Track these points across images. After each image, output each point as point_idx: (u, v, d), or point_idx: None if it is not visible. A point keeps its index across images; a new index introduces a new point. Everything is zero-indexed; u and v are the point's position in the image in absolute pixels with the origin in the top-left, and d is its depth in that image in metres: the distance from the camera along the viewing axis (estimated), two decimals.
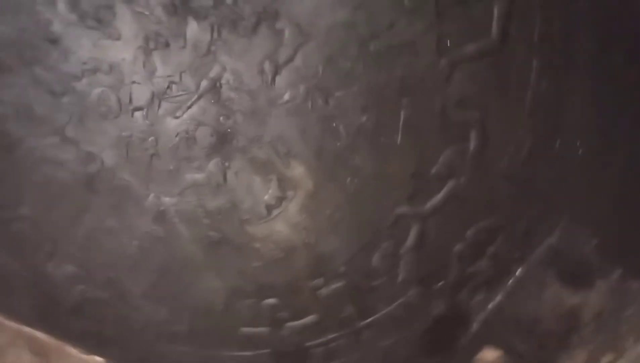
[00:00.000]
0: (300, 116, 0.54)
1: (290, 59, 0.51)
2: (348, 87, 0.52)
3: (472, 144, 0.53)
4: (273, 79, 0.53)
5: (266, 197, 0.60)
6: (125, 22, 0.50)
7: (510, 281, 0.57)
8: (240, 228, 0.61)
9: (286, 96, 0.52)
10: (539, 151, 0.53)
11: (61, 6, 0.49)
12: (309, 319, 0.65)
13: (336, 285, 0.63)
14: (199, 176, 0.59)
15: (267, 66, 0.51)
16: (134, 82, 0.53)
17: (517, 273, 0.57)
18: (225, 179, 0.58)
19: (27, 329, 0.71)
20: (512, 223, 0.56)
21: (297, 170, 0.59)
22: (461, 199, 0.55)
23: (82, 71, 0.53)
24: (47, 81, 0.54)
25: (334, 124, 0.54)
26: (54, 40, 0.51)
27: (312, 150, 0.55)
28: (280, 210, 0.60)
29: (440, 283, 0.59)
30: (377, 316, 0.64)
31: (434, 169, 0.55)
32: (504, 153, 0.54)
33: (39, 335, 0.72)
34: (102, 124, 0.56)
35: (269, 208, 0.60)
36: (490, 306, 0.58)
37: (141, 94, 0.53)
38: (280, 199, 0.59)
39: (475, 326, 0.59)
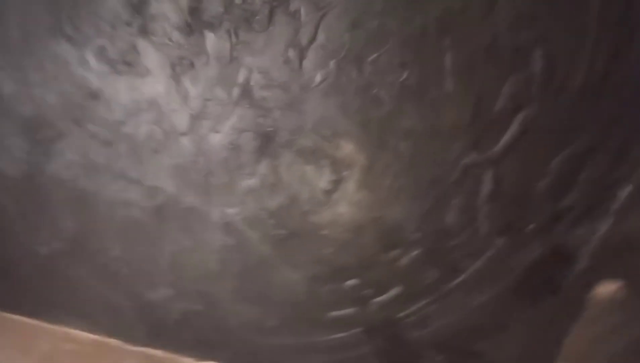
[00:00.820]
0: (336, 93, 0.50)
1: (313, 38, 0.48)
2: (380, 47, 0.47)
3: (537, 67, 0.46)
4: (300, 65, 0.50)
5: (322, 184, 0.58)
6: (149, 56, 0.50)
7: (616, 205, 0.49)
8: (304, 220, 0.61)
9: (318, 78, 0.49)
10: (616, 60, 0.44)
11: (92, 61, 0.50)
12: (394, 291, 0.64)
13: (414, 252, 0.60)
14: (253, 181, 0.58)
15: (292, 53, 0.48)
16: (172, 110, 0.53)
17: (623, 194, 0.49)
18: (278, 177, 0.57)
19: (145, 349, 0.80)
20: (602, 144, 0.48)
21: (347, 148, 0.57)
22: (536, 131, 0.48)
23: (126, 115, 0.54)
24: (100, 134, 0.57)
25: (374, 91, 0.50)
26: (95, 95, 0.52)
27: (357, 124, 0.52)
28: (339, 193, 0.58)
29: (530, 226, 0.53)
30: (464, 275, 0.60)
31: (497, 106, 0.48)
32: (577, 69, 0.46)
33: (156, 352, 0.80)
34: (156, 157, 0.58)
35: (328, 193, 0.58)
36: (595, 236, 0.52)
37: (181, 120, 0.53)
38: (337, 182, 0.57)
39: (581, 262, 0.53)
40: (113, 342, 0.78)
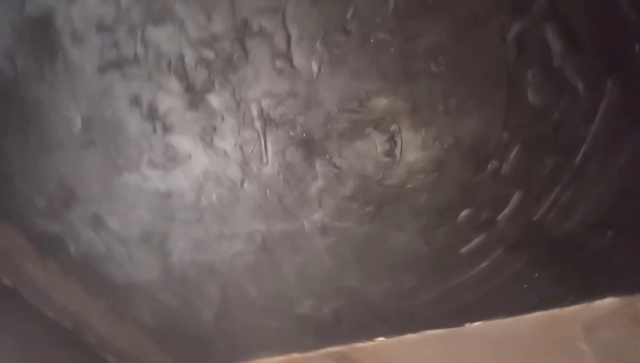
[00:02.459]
0: (338, 67, 0.53)
1: (288, 38, 0.51)
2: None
3: None
4: (292, 66, 0.54)
5: (379, 148, 0.61)
6: (182, 144, 0.61)
7: None
8: (383, 187, 0.65)
9: (314, 66, 0.52)
10: None
11: (151, 173, 0.64)
12: (514, 200, 0.64)
13: (512, 153, 0.60)
14: (318, 183, 0.65)
15: (280, 63, 0.53)
16: (223, 169, 0.63)
17: None
18: (337, 167, 0.63)
19: (322, 350, 0.96)
20: None
21: (381, 106, 0.59)
22: None
23: (196, 194, 0.67)
24: (187, 216, 0.71)
25: (372, 40, 0.51)
26: (169, 194, 0.66)
27: (375, 79, 0.53)
28: (399, 146, 0.61)
29: None
30: (584, 146, 0.57)
31: None
32: None
33: (333, 348, 0.96)
34: (236, 211, 0.69)
35: (390, 153, 0.61)
36: None
37: (234, 172, 0.63)
38: (391, 139, 0.60)
39: None
40: (295, 355, 0.97)
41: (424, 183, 0.66)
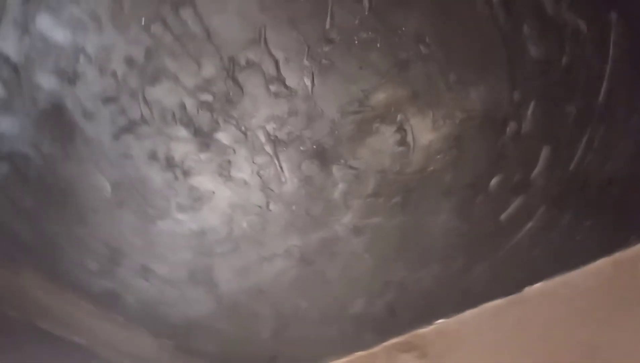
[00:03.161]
0: (330, 75, 0.56)
1: (276, 62, 0.54)
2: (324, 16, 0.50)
3: None
4: (286, 87, 0.57)
5: (392, 140, 0.63)
6: (202, 184, 0.66)
7: None
8: (406, 176, 0.67)
9: (306, 81, 0.55)
10: None
11: (182, 227, 0.70)
12: (544, 156, 0.65)
13: (528, 110, 0.61)
14: (340, 187, 0.68)
15: (274, 86, 0.56)
16: (247, 198, 0.68)
17: None
18: (355, 168, 0.66)
19: (382, 345, 0.99)
20: None
21: (382, 100, 0.61)
22: None
23: (228, 228, 0.72)
24: (223, 252, 0.77)
25: (356, 41, 0.53)
26: (202, 232, 0.72)
27: (369, 76, 0.56)
28: (410, 133, 0.63)
29: None
30: (606, 82, 0.57)
31: None
32: None
33: (391, 340, 0.99)
34: (269, 232, 0.74)
35: (403, 141, 0.63)
36: None
37: (258, 198, 0.68)
38: (401, 128, 0.62)
39: None
40: (360, 354, 1.01)
41: (445, 162, 0.67)
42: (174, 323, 0.89)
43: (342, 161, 0.66)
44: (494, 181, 0.69)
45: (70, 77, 0.53)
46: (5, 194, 0.65)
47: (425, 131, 0.63)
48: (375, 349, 0.99)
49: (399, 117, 0.63)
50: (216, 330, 0.92)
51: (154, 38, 0.51)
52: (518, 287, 0.82)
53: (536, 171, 0.68)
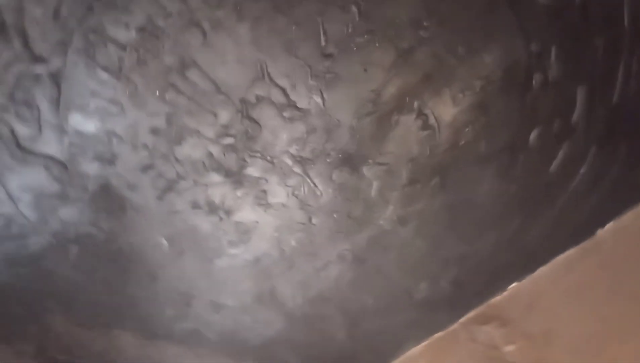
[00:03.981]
0: (336, 86, 0.60)
1: (284, 92, 0.59)
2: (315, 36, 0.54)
3: None
4: (298, 108, 0.62)
5: (415, 127, 0.66)
6: (255, 215, 0.72)
7: None
8: (439, 157, 0.70)
9: (316, 98, 0.59)
10: None
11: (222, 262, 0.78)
12: (580, 99, 0.66)
13: (550, 58, 0.62)
14: (375, 185, 0.72)
15: (287, 113, 0.61)
16: (292, 223, 0.74)
17: None
18: (385, 164, 0.69)
19: (454, 326, 1.02)
20: None
21: (393, 91, 0.64)
22: None
23: (278, 248, 0.79)
24: (274, 273, 0.84)
25: (355, 51, 0.56)
26: (256, 261, 0.79)
27: (380, 70, 0.59)
28: (432, 114, 0.65)
29: None
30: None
31: None
32: None
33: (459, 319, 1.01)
34: (325, 246, 0.80)
35: (426, 126, 0.66)
36: None
37: (299, 217, 0.74)
38: (420, 114, 0.64)
39: None
40: (438, 335, 1.05)
41: (476, 132, 0.69)
42: (254, 345, 0.98)
43: (370, 160, 0.69)
44: (533, 136, 0.70)
45: (109, 159, 0.61)
46: (82, 270, 0.75)
47: (446, 109, 0.65)
48: (453, 327, 1.03)
49: (415, 103, 0.65)
50: (294, 343, 1.00)
51: (170, 104, 0.58)
52: (588, 232, 0.82)
53: (576, 114, 0.68)
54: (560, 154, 0.70)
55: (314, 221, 0.75)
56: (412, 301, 0.94)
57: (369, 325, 0.98)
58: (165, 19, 0.49)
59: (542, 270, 0.88)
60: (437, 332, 1.00)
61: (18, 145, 0.55)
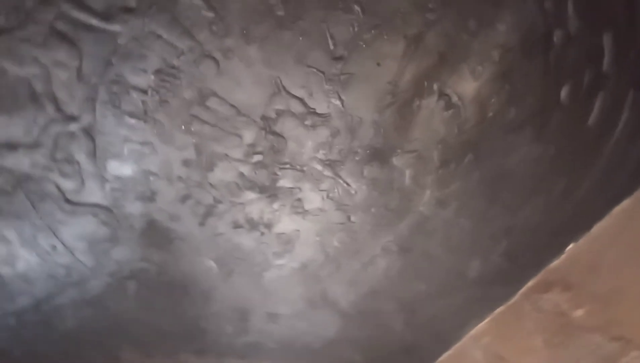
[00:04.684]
0: (352, 85, 0.61)
1: (306, 107, 0.62)
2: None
3: None
4: (317, 114, 0.64)
5: (437, 109, 0.67)
6: (294, 226, 0.76)
7: None
8: (467, 134, 0.71)
9: (335, 101, 0.61)
10: None
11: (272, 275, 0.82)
12: (607, 41, 0.65)
13: (569, 11, 0.61)
14: (410, 172, 0.73)
15: (309, 121, 0.64)
16: (331, 226, 0.77)
17: None
18: (414, 151, 0.71)
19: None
20: None
21: (410, 78, 0.65)
22: None
23: (323, 254, 0.82)
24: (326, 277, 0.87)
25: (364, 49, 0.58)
26: (306, 265, 0.83)
27: (393, 61, 0.60)
28: (452, 95, 0.66)
29: None
30: None
31: None
32: None
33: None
34: (372, 237, 0.82)
35: (449, 105, 0.67)
36: None
37: (338, 217, 0.76)
38: (442, 94, 0.65)
39: None
40: (500, 309, 1.05)
41: (502, 102, 0.69)
42: (315, 348, 1.03)
43: (398, 150, 0.71)
44: (563, 94, 0.69)
45: (150, 196, 0.66)
46: (141, 303, 0.82)
47: (467, 85, 0.66)
48: (514, 300, 1.03)
49: (435, 86, 0.66)
50: (353, 340, 1.04)
51: (197, 135, 0.62)
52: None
53: (606, 62, 0.66)
54: (597, 105, 0.69)
55: (353, 219, 0.78)
56: (467, 281, 0.95)
57: (425, 311, 1.00)
58: (179, 57, 0.53)
59: (598, 227, 0.87)
60: (498, 307, 1.01)
61: (66, 200, 0.60)
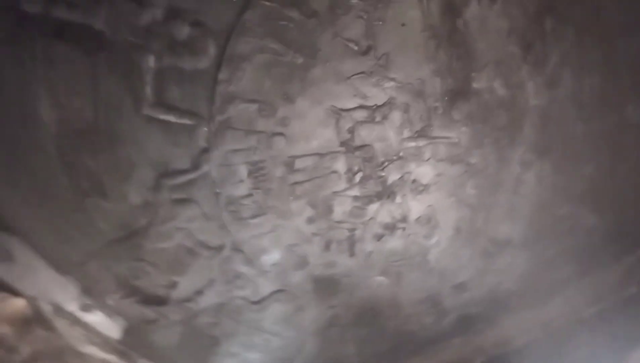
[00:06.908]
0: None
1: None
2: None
3: None
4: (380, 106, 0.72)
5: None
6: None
7: None
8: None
9: (392, 92, 0.70)
10: None
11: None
12: None
13: None
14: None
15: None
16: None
17: None
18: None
19: None
20: None
21: (440, 65, 0.68)
22: None
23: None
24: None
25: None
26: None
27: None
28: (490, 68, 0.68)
29: None
30: None
31: None
32: None
33: None
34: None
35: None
36: None
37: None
38: (483, 66, 0.68)
39: None
40: None
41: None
42: (513, 290, 1.08)
43: (473, 74, 0.75)
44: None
45: (302, 262, 0.81)
46: (346, 341, 0.98)
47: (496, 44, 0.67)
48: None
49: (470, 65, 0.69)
50: (547, 260, 1.07)
51: (304, 195, 0.75)
52: None
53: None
54: None
55: (472, 161, 0.84)
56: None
57: (611, 192, 0.98)
58: (255, 152, 0.67)
59: None
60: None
61: (252, 302, 0.79)
